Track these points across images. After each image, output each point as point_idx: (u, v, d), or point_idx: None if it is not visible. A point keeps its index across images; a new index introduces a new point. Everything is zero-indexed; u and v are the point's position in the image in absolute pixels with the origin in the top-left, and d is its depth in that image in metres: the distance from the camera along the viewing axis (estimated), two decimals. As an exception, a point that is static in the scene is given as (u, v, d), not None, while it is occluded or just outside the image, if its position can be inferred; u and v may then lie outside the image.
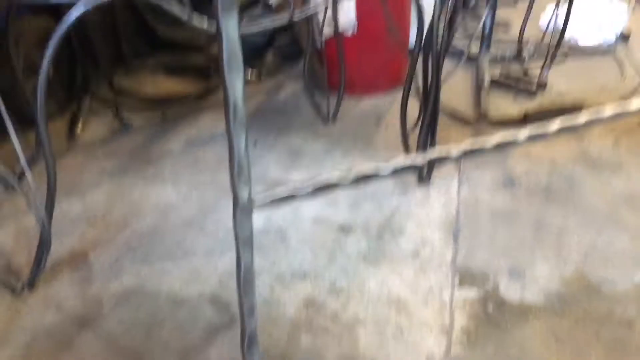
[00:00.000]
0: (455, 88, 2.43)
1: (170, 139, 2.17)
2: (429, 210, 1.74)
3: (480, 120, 2.26)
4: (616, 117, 1.09)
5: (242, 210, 0.82)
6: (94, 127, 2.25)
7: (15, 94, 1.92)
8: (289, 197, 0.86)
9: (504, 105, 2.39)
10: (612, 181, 1.86)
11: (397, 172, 0.93)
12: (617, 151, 2.01)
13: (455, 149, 0.95)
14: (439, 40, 1.50)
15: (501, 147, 0.99)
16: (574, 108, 2.27)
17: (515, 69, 2.66)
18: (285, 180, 1.88)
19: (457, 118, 2.30)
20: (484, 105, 2.32)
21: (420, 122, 1.74)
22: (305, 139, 2.14)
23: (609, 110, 1.08)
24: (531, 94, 2.45)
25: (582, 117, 1.05)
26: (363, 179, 0.90)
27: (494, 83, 2.55)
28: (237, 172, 0.78)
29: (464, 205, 1.77)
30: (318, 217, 1.72)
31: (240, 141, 0.75)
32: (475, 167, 1.94)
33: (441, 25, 1.58)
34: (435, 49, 1.53)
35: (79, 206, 1.76)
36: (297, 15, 1.39)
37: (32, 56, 2.11)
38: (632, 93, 2.39)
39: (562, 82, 2.59)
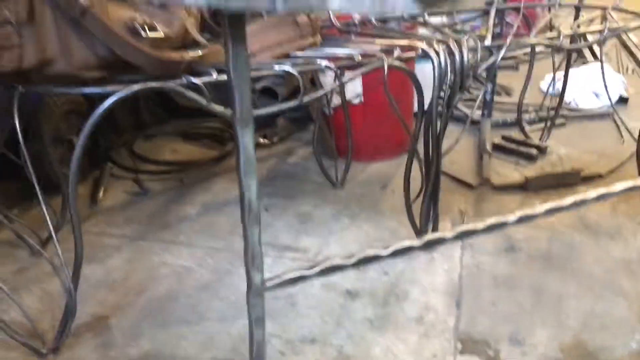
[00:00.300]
0: (459, 152, 2.54)
1: (187, 204, 2.29)
2: (432, 276, 1.82)
3: (483, 185, 2.36)
4: (600, 198, 1.18)
5: (254, 292, 0.91)
6: (115, 192, 2.37)
7: (43, 162, 2.06)
8: (298, 279, 0.95)
9: (505, 170, 2.49)
10: (610, 247, 1.93)
11: (397, 253, 1.02)
12: (615, 217, 2.09)
13: (450, 233, 1.04)
14: (438, 119, 1.62)
15: (492, 229, 1.08)
16: (574, 173, 2.37)
17: (516, 133, 2.77)
18: (295, 246, 1.97)
19: (460, 182, 2.40)
20: (486, 170, 2.42)
21: (423, 192, 1.84)
22: (314, 204, 2.25)
23: (593, 193, 1.18)
24: (532, 158, 2.55)
25: (568, 200, 1.15)
26: (365, 261, 0.99)
27: (496, 147, 2.65)
28: (250, 260, 0.88)
29: (467, 271, 1.84)
30: (326, 282, 1.80)
31: (254, 233, 0.85)
32: (477, 232, 2.02)
33: (442, 95, 1.70)
34: (434, 128, 1.64)
35: (100, 271, 1.86)
36: (307, 98, 1.51)
37: (59, 127, 2.27)
38: (629, 158, 2.48)
39: (562, 146, 2.70)
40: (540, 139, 2.73)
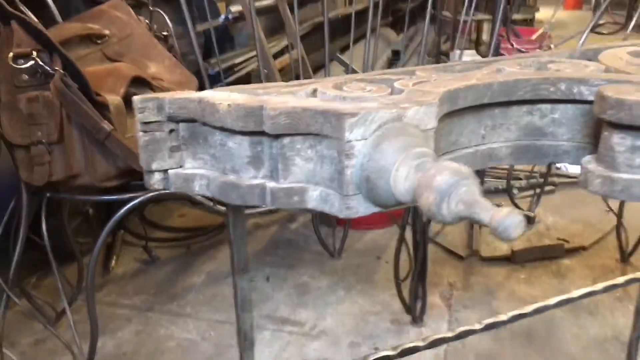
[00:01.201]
0: (450, 222, 2.69)
1: (193, 273, 2.44)
2: (420, 353, 1.94)
3: (472, 257, 2.51)
4: (561, 303, 1.32)
5: (250, 403, 1.05)
6: (125, 260, 2.53)
7: (59, 233, 2.23)
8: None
9: (494, 240, 2.63)
10: (588, 324, 2.06)
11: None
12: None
13: (422, 342, 1.19)
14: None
15: (460, 336, 1.23)
16: (558, 246, 2.51)
17: (506, 201, 2.92)
18: (293, 319, 2.11)
19: (451, 253, 2.55)
20: (475, 241, 2.57)
21: (412, 272, 1.98)
22: (312, 275, 2.39)
23: (555, 299, 1.32)
24: (520, 228, 2.69)
25: (530, 307, 1.29)
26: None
27: (487, 216, 2.80)
28: (246, 378, 1.02)
29: (452, 347, 1.97)
30: (320, 357, 1.94)
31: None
32: (464, 307, 2.16)
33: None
34: (421, 220, 1.80)
35: (110, 344, 2.00)
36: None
37: (76, 201, 2.44)
38: (612, 230, 2.62)
39: (550, 215, 2.85)
40: (529, 208, 2.88)
